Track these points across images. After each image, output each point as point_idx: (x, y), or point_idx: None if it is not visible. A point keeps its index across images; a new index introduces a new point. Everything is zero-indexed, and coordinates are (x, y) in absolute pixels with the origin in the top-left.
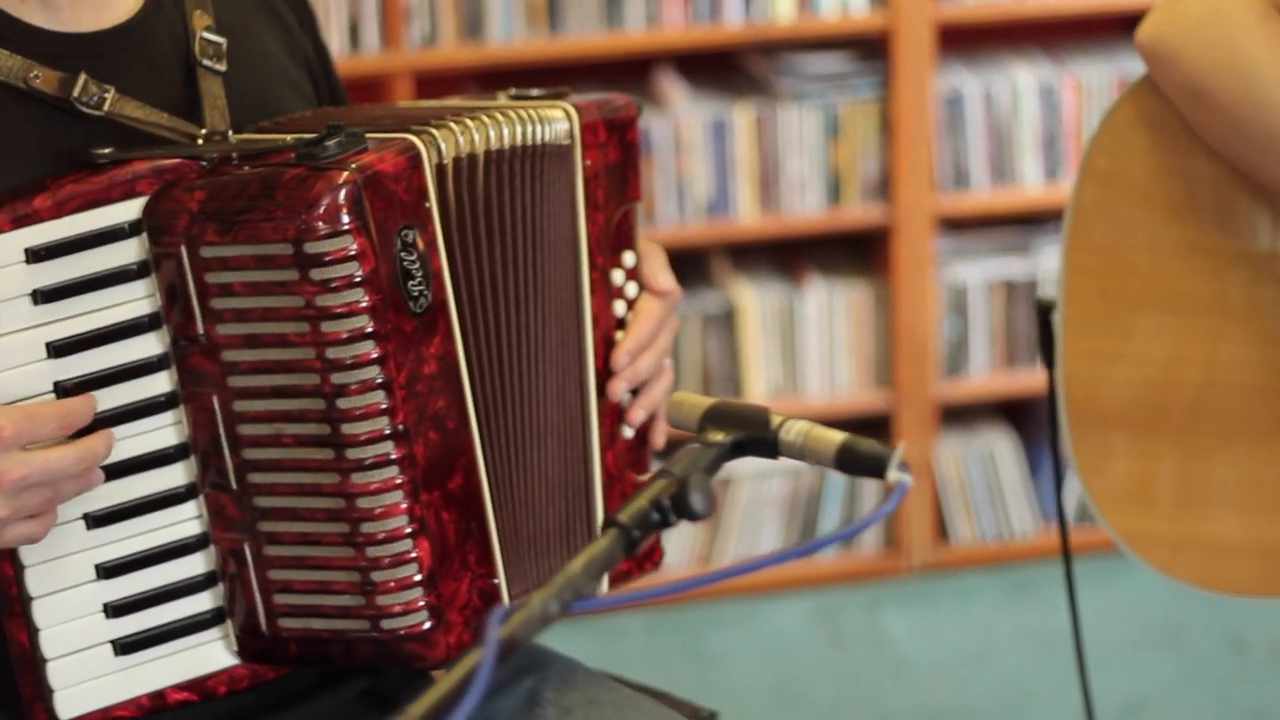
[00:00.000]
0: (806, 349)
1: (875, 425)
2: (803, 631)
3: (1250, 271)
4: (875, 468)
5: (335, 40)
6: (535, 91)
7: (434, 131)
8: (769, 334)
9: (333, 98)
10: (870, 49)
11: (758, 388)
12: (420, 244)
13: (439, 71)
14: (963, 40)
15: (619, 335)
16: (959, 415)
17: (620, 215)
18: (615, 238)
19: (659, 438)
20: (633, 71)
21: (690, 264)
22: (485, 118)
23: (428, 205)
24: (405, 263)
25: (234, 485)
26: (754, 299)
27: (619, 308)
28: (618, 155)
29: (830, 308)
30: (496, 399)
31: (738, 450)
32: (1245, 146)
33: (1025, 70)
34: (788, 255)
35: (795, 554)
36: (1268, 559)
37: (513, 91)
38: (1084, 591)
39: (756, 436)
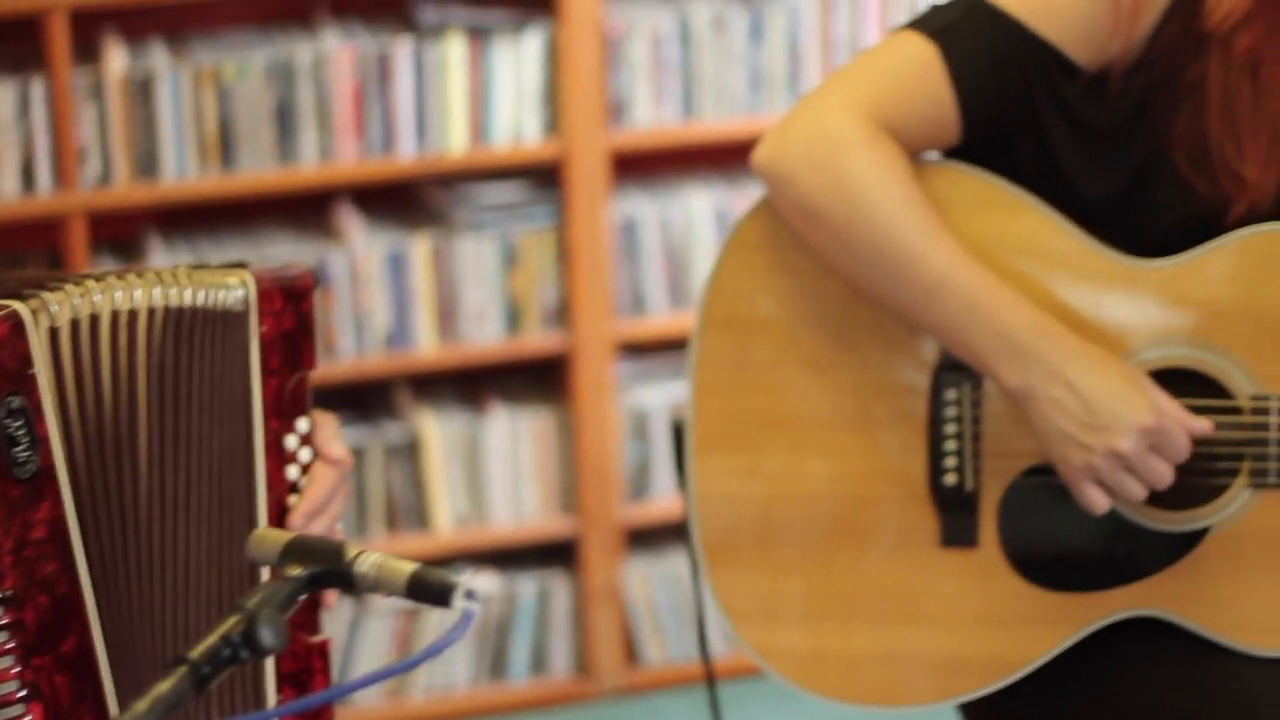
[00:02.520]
0: (491, 477)
1: (562, 551)
2: None
3: (870, 386)
4: (442, 597)
5: (9, 182)
6: (215, 261)
7: (47, 296)
8: (453, 464)
9: None
10: (545, 177)
11: (443, 518)
12: (26, 409)
13: (114, 211)
14: (637, 166)
15: (292, 499)
16: (645, 538)
17: (295, 382)
18: (289, 403)
19: (331, 598)
20: (309, 206)
21: (371, 396)
22: (132, 280)
23: (32, 371)
24: (9, 429)
25: None
26: (437, 429)
27: (292, 472)
28: (293, 323)
29: (514, 435)
30: (119, 561)
31: (314, 584)
32: (857, 265)
33: (700, 193)
34: (469, 384)
35: (367, 681)
36: (894, 668)
37: (194, 262)
38: (777, 707)
39: (332, 570)
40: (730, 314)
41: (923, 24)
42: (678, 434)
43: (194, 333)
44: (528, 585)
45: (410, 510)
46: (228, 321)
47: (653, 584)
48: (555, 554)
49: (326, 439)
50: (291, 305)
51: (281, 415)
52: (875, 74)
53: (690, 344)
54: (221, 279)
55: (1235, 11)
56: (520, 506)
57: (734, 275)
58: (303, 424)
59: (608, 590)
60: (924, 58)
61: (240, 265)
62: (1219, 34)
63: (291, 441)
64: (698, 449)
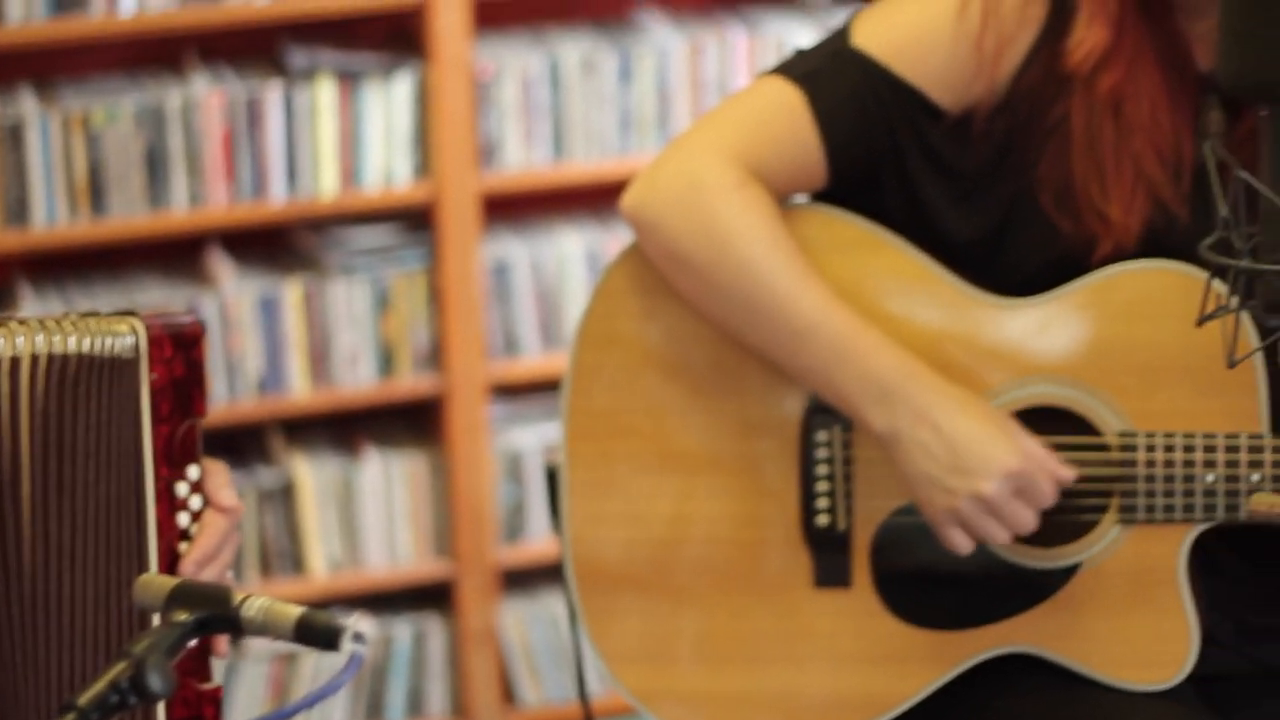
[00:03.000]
0: (366, 521)
1: (438, 594)
2: None
3: (742, 428)
4: (330, 640)
5: None
6: (104, 310)
7: None
8: (327, 508)
9: None
10: (416, 220)
11: (317, 562)
12: None
13: None
14: (508, 208)
15: (183, 547)
16: (521, 579)
17: (185, 429)
18: (180, 451)
19: (222, 645)
20: (180, 251)
21: (244, 440)
22: (14, 327)
23: None
24: None
25: None
26: (310, 473)
27: (183, 519)
28: (183, 370)
29: (387, 478)
30: (2, 607)
31: (201, 629)
32: (726, 308)
33: (571, 235)
34: (343, 428)
35: None
36: (772, 710)
37: (83, 310)
38: None
39: (219, 614)
40: (601, 359)
41: (788, 69)
42: (551, 478)
43: (80, 380)
44: (403, 629)
45: (284, 555)
46: (117, 369)
47: (529, 626)
48: (430, 597)
49: (217, 486)
50: (182, 352)
51: (172, 462)
52: (742, 119)
53: (563, 388)
54: (110, 326)
55: (1095, 52)
56: (395, 550)
57: (604, 320)
58: (193, 471)
59: (484, 632)
60: (790, 102)
61: (129, 313)
62: (1080, 74)
63: (182, 489)
64: (571, 493)
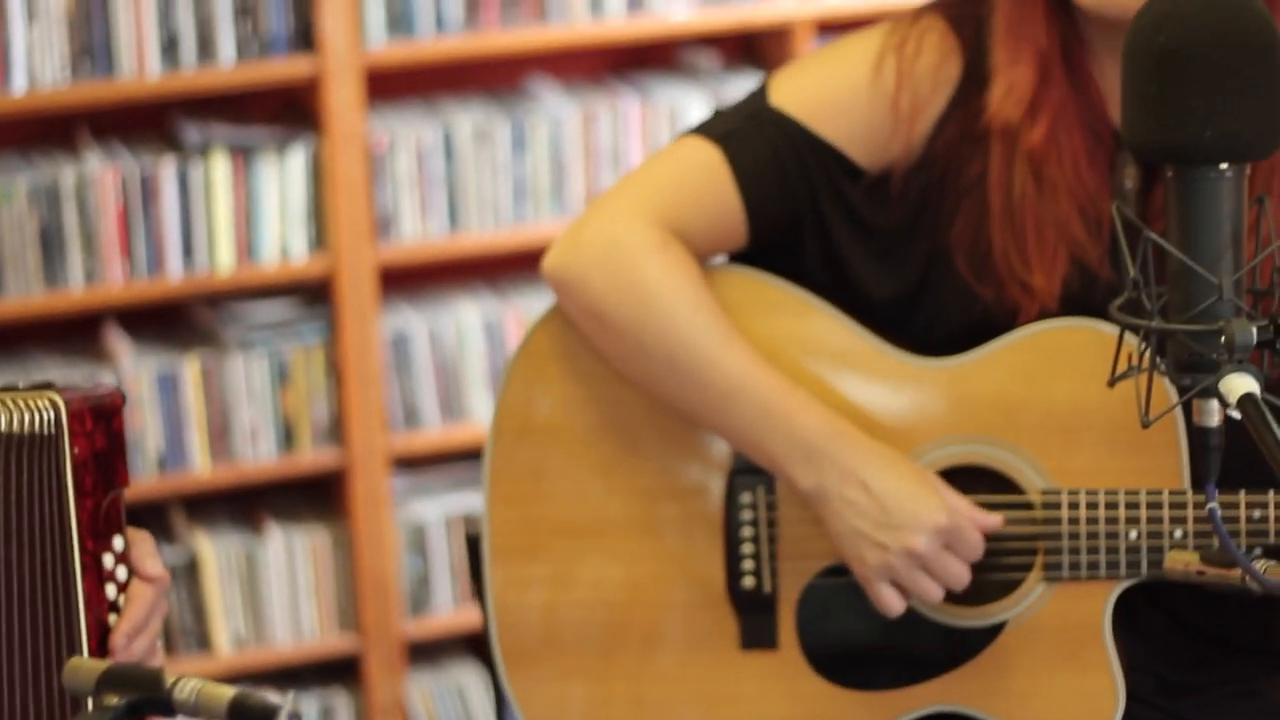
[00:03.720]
0: (270, 597)
1: (344, 668)
2: None
3: (665, 491)
4: None
5: None
6: (21, 384)
7: None
8: (230, 584)
9: None
10: (314, 294)
11: (222, 639)
12: None
13: None
14: (405, 279)
15: (112, 619)
16: (427, 652)
17: (109, 500)
18: (105, 523)
19: None
20: (77, 329)
21: (146, 518)
22: None
23: None
24: None
25: None
26: (213, 550)
27: (111, 591)
28: (105, 442)
29: (291, 553)
30: None
31: (133, 712)
32: (649, 368)
33: (469, 306)
34: (245, 503)
35: None
36: None
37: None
38: None
39: (150, 697)
40: (523, 423)
41: (707, 129)
42: (473, 547)
43: (18, 457)
44: (310, 704)
45: (189, 632)
46: (38, 445)
47: (436, 698)
48: (337, 671)
49: (142, 555)
50: (102, 424)
51: (98, 535)
52: (663, 180)
53: (484, 454)
54: (28, 401)
55: (1016, 111)
56: (300, 625)
57: (526, 384)
58: (118, 542)
59: (391, 706)
60: (710, 162)
61: (47, 385)
62: (1001, 131)
63: (109, 560)
64: (494, 559)
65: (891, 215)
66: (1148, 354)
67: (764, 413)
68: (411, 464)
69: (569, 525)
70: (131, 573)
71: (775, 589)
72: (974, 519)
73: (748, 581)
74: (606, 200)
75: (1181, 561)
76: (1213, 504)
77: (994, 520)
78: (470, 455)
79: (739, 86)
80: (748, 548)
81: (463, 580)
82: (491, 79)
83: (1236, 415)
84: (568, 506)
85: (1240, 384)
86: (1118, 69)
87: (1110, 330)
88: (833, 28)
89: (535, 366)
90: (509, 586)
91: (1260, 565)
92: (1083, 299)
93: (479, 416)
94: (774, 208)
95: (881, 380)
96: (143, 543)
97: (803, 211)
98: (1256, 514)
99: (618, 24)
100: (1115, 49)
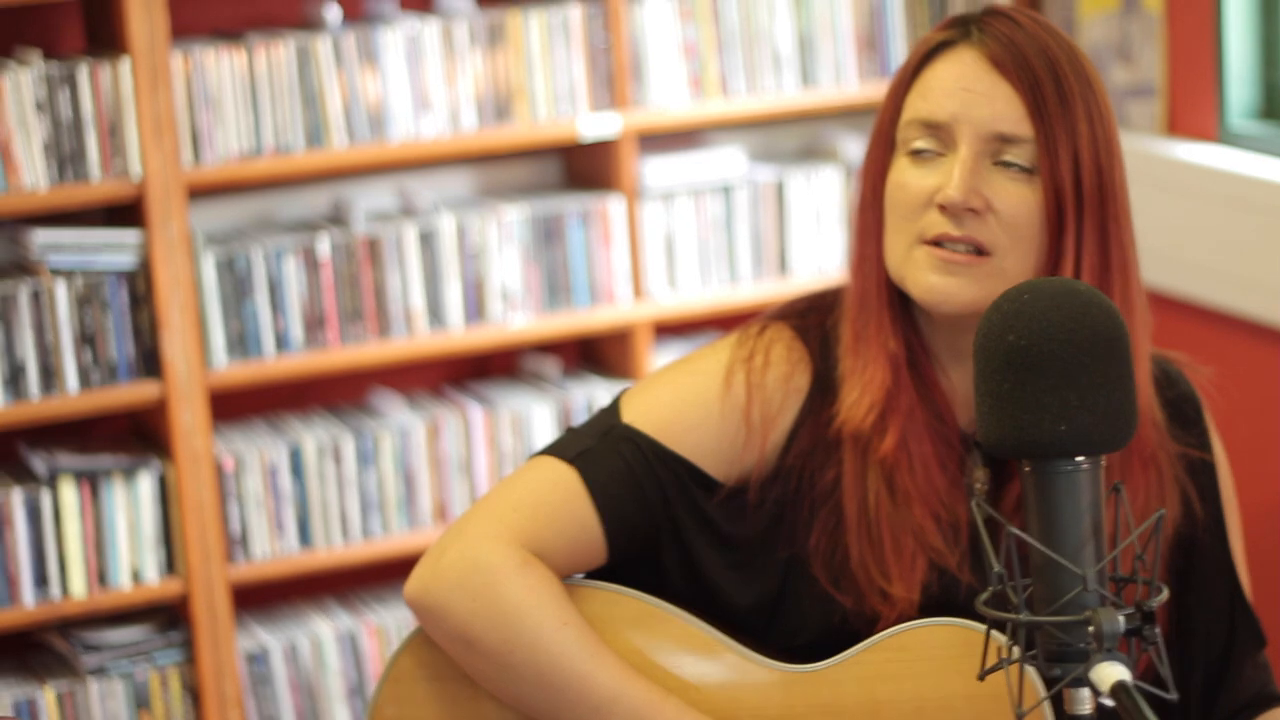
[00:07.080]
0: None
1: None
2: None
3: None
4: None
5: None
6: None
7: None
8: None
9: None
10: (170, 616)
11: None
12: None
13: None
14: (260, 597)
15: None
16: None
17: None
18: None
19: None
20: None
21: None
22: None
23: None
24: None
25: None
26: None
27: None
28: None
29: None
30: None
31: None
32: (520, 688)
33: (324, 622)
34: None
35: None
36: None
37: None
38: None
39: None
40: None
41: (561, 449)
42: None
43: None
44: None
45: None
46: None
47: None
48: None
49: None
50: None
51: None
52: (519, 500)
53: None
54: None
55: (866, 420)
56: None
57: (392, 707)
58: None
59: None
60: (565, 481)
61: None
62: (851, 442)
63: None
64: None
65: (749, 525)
66: (1016, 647)
67: None
68: None
69: None
70: None
71: None
72: None
73: None
74: (464, 524)
75: None
76: None
77: None
78: None
79: (581, 391)
80: None
81: None
82: (335, 395)
83: (1109, 703)
84: None
85: (1111, 672)
86: (960, 372)
87: (975, 627)
88: (671, 329)
89: (403, 690)
90: None
91: None
92: (943, 602)
93: None
94: (631, 523)
95: (749, 689)
96: None
97: (660, 525)
98: None
99: (458, 335)
100: (958, 353)
